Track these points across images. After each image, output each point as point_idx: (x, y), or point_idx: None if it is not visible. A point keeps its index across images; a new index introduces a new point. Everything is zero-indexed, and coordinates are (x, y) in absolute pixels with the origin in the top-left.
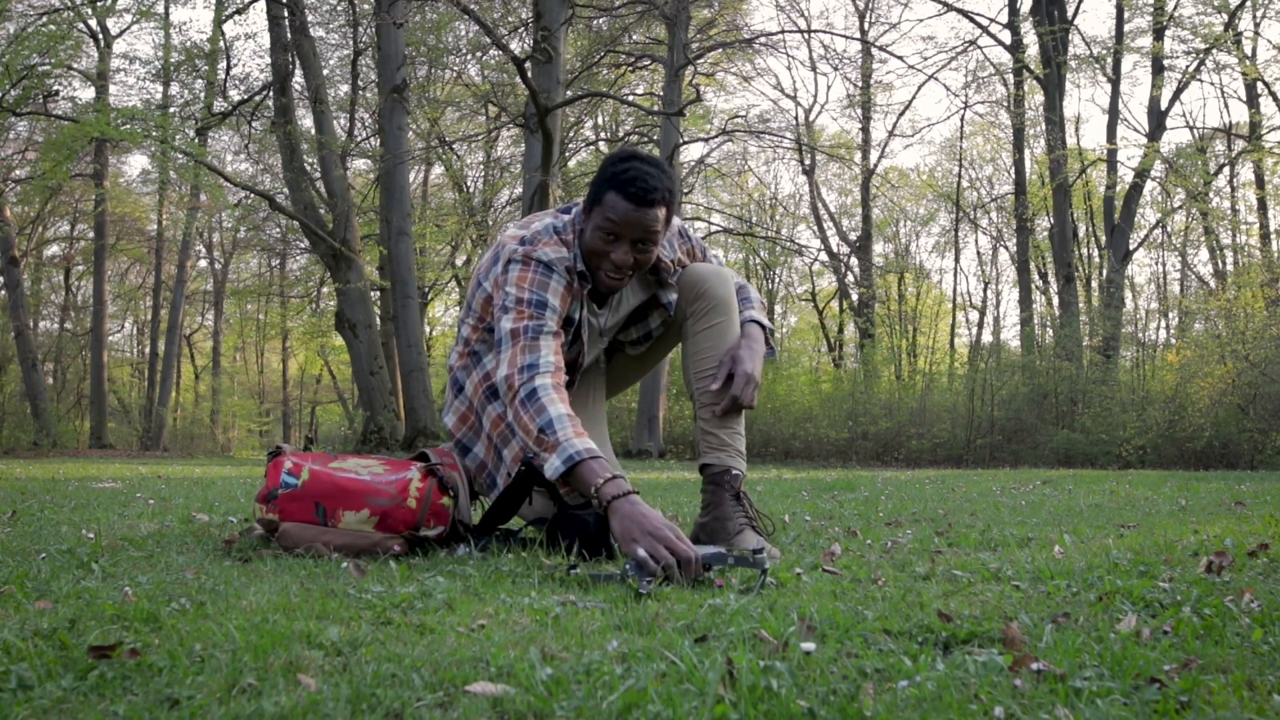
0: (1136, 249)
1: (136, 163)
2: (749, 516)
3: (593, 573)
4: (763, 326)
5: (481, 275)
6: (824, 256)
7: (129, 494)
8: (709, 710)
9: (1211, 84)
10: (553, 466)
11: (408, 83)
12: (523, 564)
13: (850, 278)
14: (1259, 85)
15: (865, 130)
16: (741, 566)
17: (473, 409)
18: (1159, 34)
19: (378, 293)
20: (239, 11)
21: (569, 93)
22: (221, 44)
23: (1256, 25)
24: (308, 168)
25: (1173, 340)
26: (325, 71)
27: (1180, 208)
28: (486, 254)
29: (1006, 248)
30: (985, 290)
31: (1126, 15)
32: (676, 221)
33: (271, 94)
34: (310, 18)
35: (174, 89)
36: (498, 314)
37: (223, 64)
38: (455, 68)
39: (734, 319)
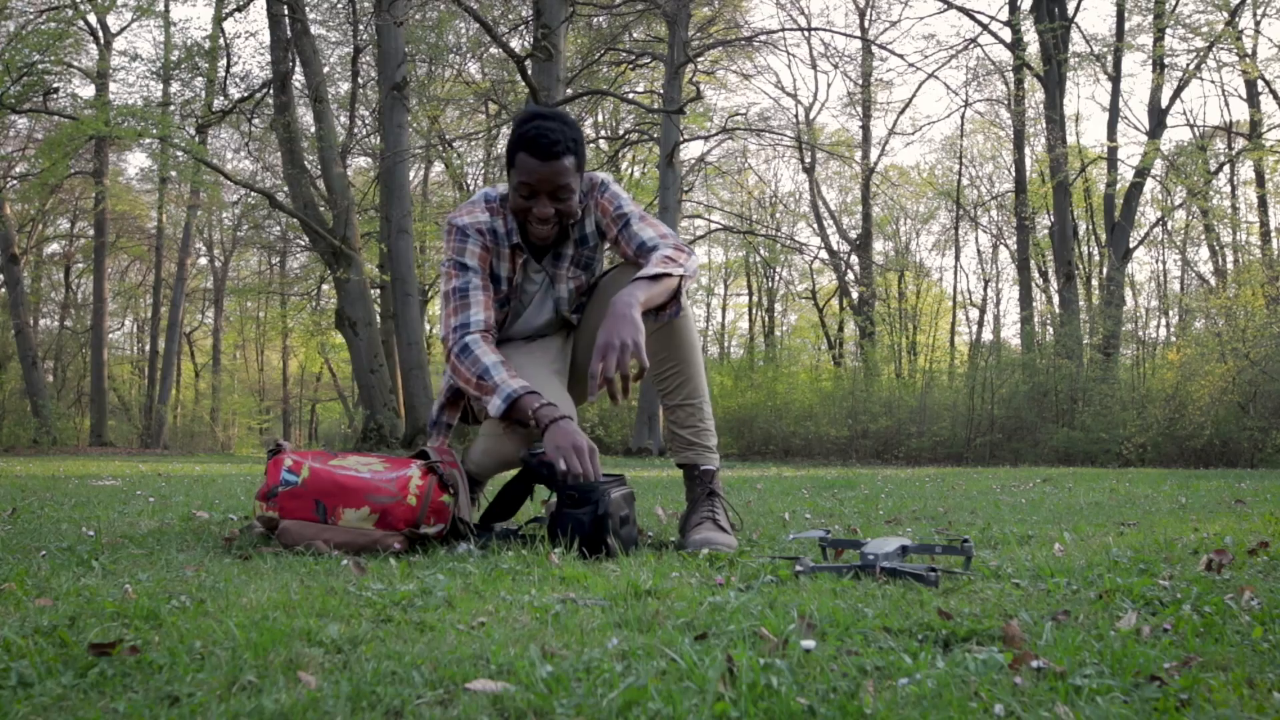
0: (1137, 247)
1: (136, 160)
2: (712, 510)
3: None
4: (655, 279)
5: None
6: (824, 254)
7: (129, 491)
8: (709, 708)
9: (1212, 82)
10: (495, 405)
11: (408, 80)
12: (523, 561)
13: (850, 276)
14: (1259, 83)
15: (865, 128)
16: (950, 554)
17: None
18: (1159, 32)
19: (378, 290)
20: (239, 9)
21: (569, 90)
22: (221, 42)
23: (1257, 23)
24: (308, 165)
25: (1173, 338)
26: (325, 69)
27: (1181, 206)
28: None
29: (1007, 246)
30: (985, 288)
31: (1127, 13)
32: (600, 179)
33: (271, 91)
34: (310, 15)
35: (174, 87)
36: (440, 280)
37: (223, 62)
38: (455, 65)
39: (682, 314)
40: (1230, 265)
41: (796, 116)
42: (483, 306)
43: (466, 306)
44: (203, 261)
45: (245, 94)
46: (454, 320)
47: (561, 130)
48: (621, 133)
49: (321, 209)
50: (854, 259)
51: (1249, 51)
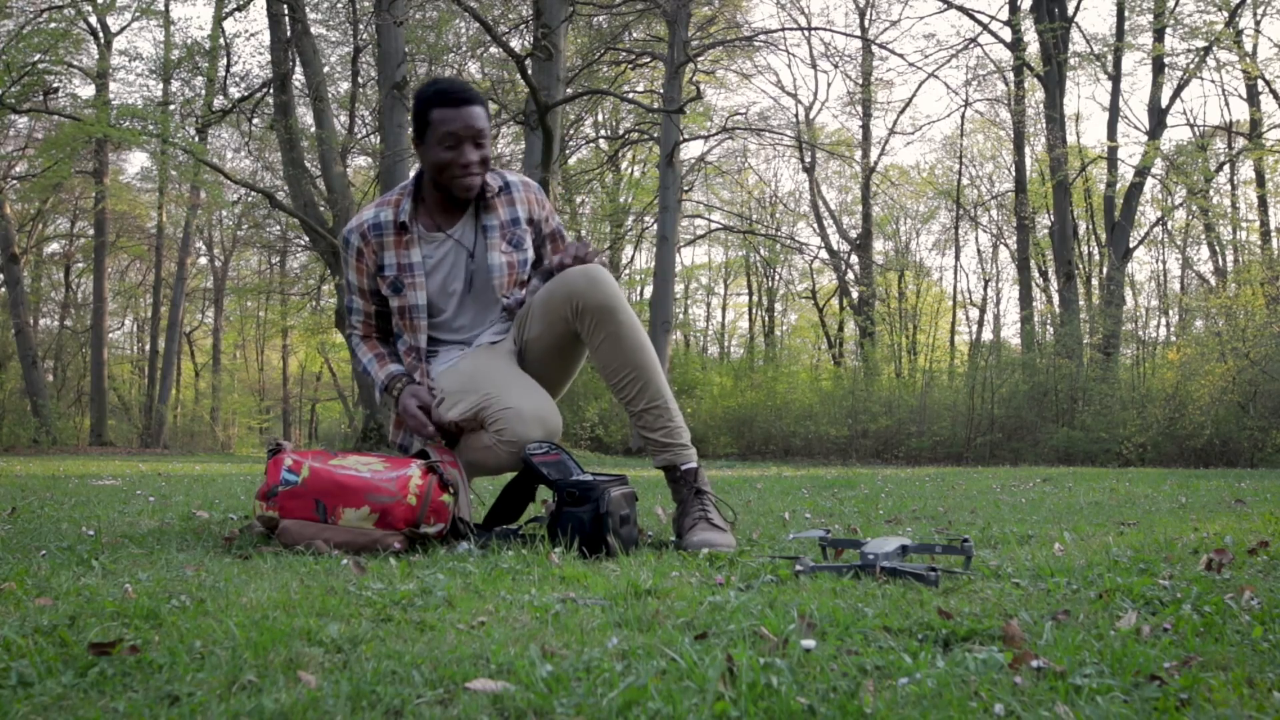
0: (1137, 246)
1: (136, 160)
2: (704, 509)
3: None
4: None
5: None
6: (824, 254)
7: (129, 491)
8: (709, 707)
9: (1212, 81)
10: (378, 396)
11: (408, 80)
12: (523, 561)
13: (850, 275)
14: (1259, 83)
15: (865, 128)
16: (949, 554)
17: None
18: (1159, 32)
19: None
20: (239, 9)
21: (569, 90)
22: (222, 41)
23: (1257, 23)
24: (308, 165)
25: (1173, 338)
26: (325, 68)
27: (1181, 205)
28: None
29: (1007, 245)
30: (985, 288)
31: (1127, 13)
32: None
33: (271, 91)
34: (310, 15)
35: (174, 86)
36: None
37: (223, 61)
38: (455, 65)
39: (620, 321)
40: (1230, 265)
41: (796, 116)
42: (361, 311)
43: (350, 312)
44: (203, 261)
45: (245, 94)
46: (348, 318)
47: (465, 82)
48: (621, 132)
49: (321, 209)
50: (854, 259)
51: (1249, 51)
